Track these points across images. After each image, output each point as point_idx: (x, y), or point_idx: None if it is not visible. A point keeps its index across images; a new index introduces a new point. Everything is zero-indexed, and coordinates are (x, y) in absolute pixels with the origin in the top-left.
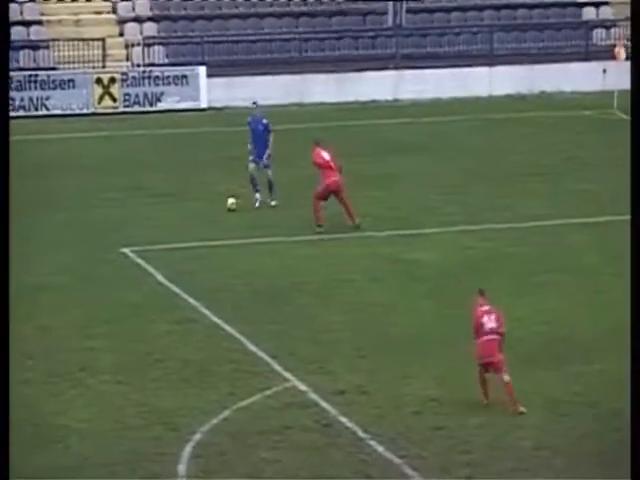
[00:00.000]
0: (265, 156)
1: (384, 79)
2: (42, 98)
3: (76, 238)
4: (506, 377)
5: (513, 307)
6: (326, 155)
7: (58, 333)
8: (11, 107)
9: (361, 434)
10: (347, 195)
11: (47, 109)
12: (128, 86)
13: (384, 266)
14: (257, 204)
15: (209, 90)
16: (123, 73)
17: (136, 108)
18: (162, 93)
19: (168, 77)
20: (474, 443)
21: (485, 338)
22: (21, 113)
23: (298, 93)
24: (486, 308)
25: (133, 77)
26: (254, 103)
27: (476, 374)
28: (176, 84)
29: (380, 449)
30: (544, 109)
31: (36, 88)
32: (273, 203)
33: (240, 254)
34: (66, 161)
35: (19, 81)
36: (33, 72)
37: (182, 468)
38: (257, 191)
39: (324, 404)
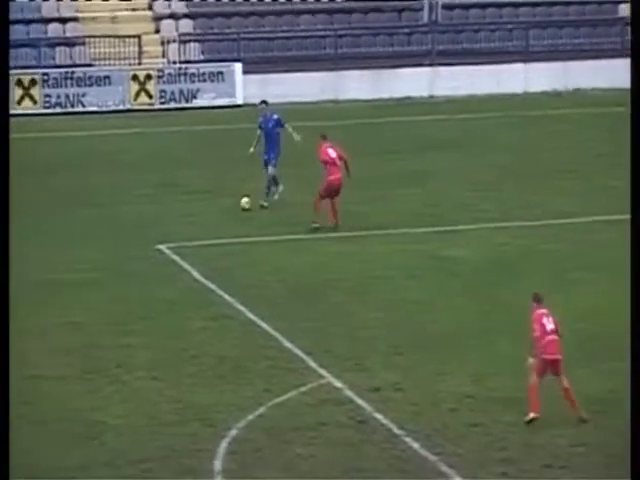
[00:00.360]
0: (275, 156)
1: (419, 76)
2: (78, 95)
3: (112, 235)
4: (565, 382)
5: (547, 304)
6: (332, 152)
7: (94, 329)
8: (47, 104)
9: (396, 431)
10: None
11: (83, 106)
12: (164, 83)
13: (420, 263)
14: (276, 196)
15: (245, 87)
16: (159, 70)
17: (172, 105)
18: (198, 90)
19: (204, 74)
20: (509, 440)
21: (548, 338)
22: (57, 110)
23: (333, 90)
24: (544, 311)
25: (169, 74)
26: (263, 102)
27: (532, 386)
28: (212, 81)
29: (415, 446)
30: (579, 106)
31: (72, 85)
32: (265, 204)
33: (275, 251)
34: (102, 158)
35: (55, 78)
36: (69, 69)
37: (218, 464)
38: (277, 184)
39: (359, 401)
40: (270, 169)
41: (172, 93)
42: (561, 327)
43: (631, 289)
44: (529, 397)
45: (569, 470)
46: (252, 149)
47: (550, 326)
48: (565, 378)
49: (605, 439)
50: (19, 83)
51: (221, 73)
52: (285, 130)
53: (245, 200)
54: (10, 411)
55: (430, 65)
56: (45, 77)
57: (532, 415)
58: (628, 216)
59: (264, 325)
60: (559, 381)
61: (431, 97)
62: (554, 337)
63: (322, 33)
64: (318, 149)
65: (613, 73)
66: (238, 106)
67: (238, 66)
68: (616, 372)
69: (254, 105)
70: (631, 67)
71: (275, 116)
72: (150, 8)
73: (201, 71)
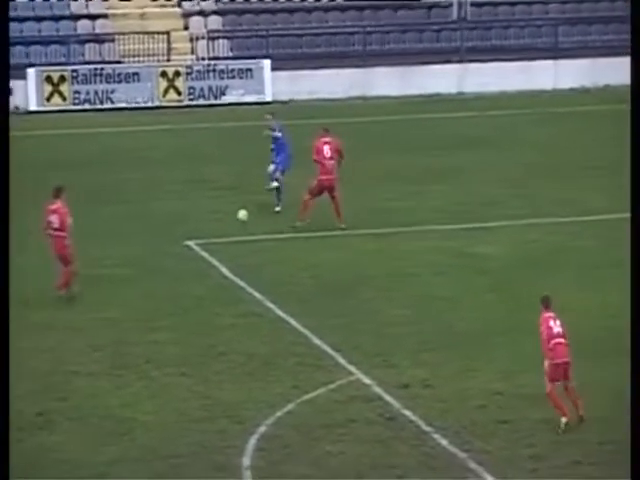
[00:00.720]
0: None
1: (448, 72)
2: (107, 91)
3: (141, 230)
4: (571, 384)
5: (578, 300)
6: (327, 149)
7: (123, 325)
8: (76, 100)
9: (425, 427)
10: (340, 195)
11: (112, 102)
12: (193, 79)
13: (449, 260)
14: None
15: (273, 83)
16: (188, 66)
17: (201, 101)
18: (227, 86)
19: (233, 70)
20: (538, 437)
21: (556, 341)
22: (87, 106)
23: (362, 86)
24: (551, 314)
25: (198, 70)
26: (270, 114)
27: (550, 392)
28: (241, 77)
29: (444, 442)
30: (608, 102)
31: (101, 81)
32: (277, 209)
33: (304, 248)
34: (131, 154)
35: (84, 75)
36: (98, 65)
37: (246, 460)
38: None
39: (388, 397)
40: (280, 178)
41: (201, 90)
42: (592, 323)
43: (631, 289)
44: (553, 404)
45: (598, 467)
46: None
47: (557, 329)
48: (572, 381)
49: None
50: (48, 80)
51: (250, 70)
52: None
53: (243, 213)
54: (45, 406)
55: (459, 62)
56: (74, 74)
57: (564, 420)
58: None
59: (293, 322)
60: (566, 384)
61: (460, 94)
62: (561, 340)
63: (351, 30)
64: (315, 144)
65: None
66: (267, 103)
67: (267, 63)
68: None
69: (283, 102)
70: (631, 66)
71: (277, 128)
72: (179, 5)
73: (230, 68)
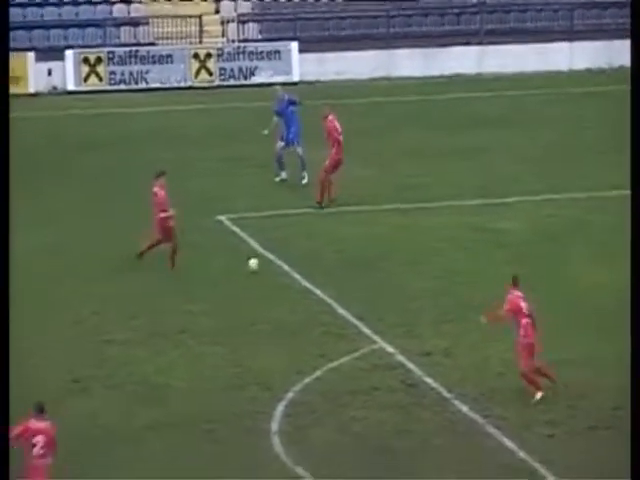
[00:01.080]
0: (297, 135)
1: (468, 54)
2: (142, 72)
3: (175, 206)
4: (538, 363)
5: (593, 274)
6: (339, 127)
7: (159, 295)
8: (112, 81)
9: (446, 394)
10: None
11: (147, 83)
12: (224, 61)
13: (469, 235)
14: (278, 179)
15: (301, 65)
16: (219, 48)
17: (231, 82)
18: (256, 67)
19: (262, 52)
20: (555, 403)
21: (527, 321)
22: (122, 87)
23: (385, 68)
24: (520, 294)
25: (228, 52)
26: (277, 86)
27: (526, 370)
28: (269, 59)
29: (464, 409)
30: (622, 83)
31: (136, 63)
32: (304, 182)
33: (331, 222)
34: (164, 132)
35: (120, 56)
36: (133, 48)
37: (275, 425)
38: (282, 170)
39: (410, 365)
40: (299, 150)
41: (231, 71)
42: (606, 295)
43: (631, 289)
44: (528, 381)
45: (614, 431)
46: (266, 131)
47: (527, 310)
48: (538, 360)
49: None
50: (86, 61)
51: (278, 52)
52: (301, 107)
53: (253, 261)
54: (81, 373)
55: (479, 44)
56: (110, 55)
57: (540, 394)
58: None
59: (319, 293)
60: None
61: (479, 75)
62: (530, 321)
63: (375, 13)
64: (328, 123)
65: None
66: (294, 83)
67: (294, 45)
68: None
69: (310, 83)
70: (631, 61)
71: (287, 96)
72: None
73: (259, 50)
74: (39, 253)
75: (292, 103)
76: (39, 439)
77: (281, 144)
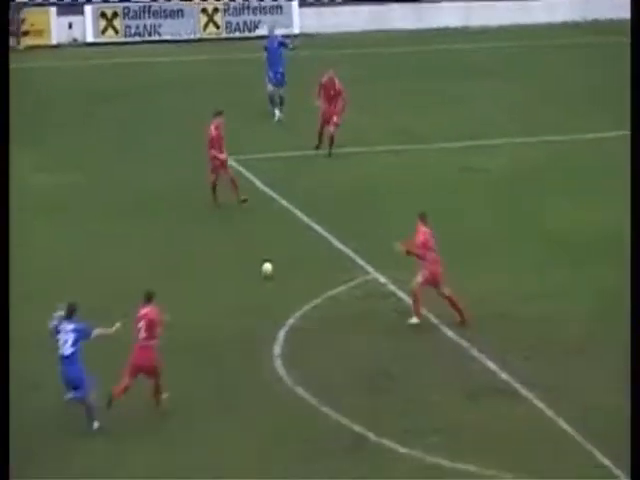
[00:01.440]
0: (281, 74)
1: (456, 9)
2: (155, 26)
3: (185, 149)
4: (447, 290)
5: (568, 210)
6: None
7: (168, 228)
8: (128, 33)
9: (433, 320)
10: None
11: (159, 35)
12: (229, 15)
13: (456, 173)
14: (276, 119)
15: (301, 18)
16: (225, 4)
17: (236, 34)
18: (259, 21)
19: (264, 7)
20: (532, 330)
21: (434, 255)
22: (137, 39)
23: (380, 21)
24: (428, 230)
25: (234, 7)
26: (270, 27)
27: (415, 291)
28: (272, 13)
29: (450, 333)
30: (596, 35)
31: (150, 17)
32: (276, 119)
33: (329, 163)
34: (176, 81)
35: (135, 11)
36: (147, 3)
37: (277, 349)
38: (275, 107)
39: (401, 294)
40: (281, 91)
41: (237, 24)
42: (580, 230)
43: (631, 289)
44: (414, 299)
45: (585, 357)
46: (268, 70)
47: (433, 246)
48: (446, 288)
49: (618, 331)
50: (103, 15)
51: (280, 7)
52: (291, 51)
53: (267, 267)
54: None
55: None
56: (126, 10)
57: (416, 320)
58: None
59: (318, 228)
60: (441, 291)
61: (466, 27)
62: (435, 255)
63: None
64: (332, 81)
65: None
66: (295, 35)
67: (295, 0)
68: (626, 269)
69: (309, 35)
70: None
71: (279, 37)
72: None
73: (262, 5)
74: (61, 189)
75: (282, 44)
76: (142, 324)
77: (270, 87)
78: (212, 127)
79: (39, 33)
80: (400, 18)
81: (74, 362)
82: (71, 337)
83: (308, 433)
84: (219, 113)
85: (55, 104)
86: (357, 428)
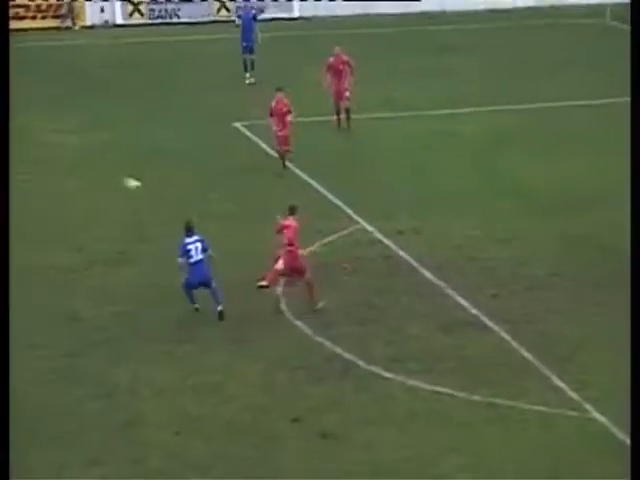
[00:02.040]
0: (252, 42)
1: None
2: (175, 9)
3: (199, 116)
4: (308, 275)
5: (530, 167)
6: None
7: (185, 186)
8: (152, 16)
9: (414, 264)
10: None
11: (178, 18)
12: (239, 1)
13: (436, 138)
14: (247, 82)
15: (300, 4)
16: None
17: None
18: (265, 6)
19: None
20: (501, 270)
21: (289, 248)
22: (159, 21)
23: (366, 6)
24: (290, 222)
25: None
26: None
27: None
28: (275, 0)
29: (428, 275)
30: (555, 17)
31: (170, 1)
32: (252, 80)
33: (327, 128)
34: (192, 57)
35: None
36: None
37: (279, 289)
38: (247, 71)
39: (387, 242)
40: (253, 56)
41: (245, 8)
42: (539, 185)
43: (631, 289)
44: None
45: (548, 291)
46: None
47: (293, 239)
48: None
49: (577, 270)
50: (130, 0)
51: None
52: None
53: (131, 182)
54: (125, 247)
55: None
56: None
57: (264, 283)
58: (599, 101)
59: (315, 184)
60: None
61: (443, 12)
62: (291, 248)
63: None
64: (339, 58)
65: None
66: (295, 19)
67: None
68: (590, 219)
69: (307, 18)
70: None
71: (253, 12)
72: None
73: None
74: (97, 147)
75: (254, 19)
76: (286, 233)
77: (245, 55)
78: (273, 102)
79: (76, 16)
80: (386, 4)
81: (204, 265)
82: (199, 246)
83: (306, 360)
84: (279, 89)
85: (88, 77)
86: (348, 356)
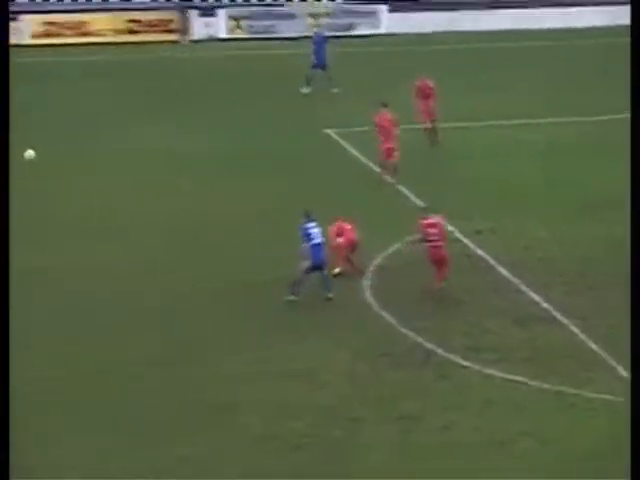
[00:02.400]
0: (324, 60)
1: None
2: (272, 26)
3: (291, 123)
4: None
5: (595, 175)
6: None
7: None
8: (251, 31)
9: (491, 262)
10: None
11: (275, 33)
12: (332, 18)
13: (505, 144)
14: (303, 92)
15: (389, 22)
16: (327, 7)
17: (337, 33)
18: (354, 23)
19: (359, 11)
20: (567, 268)
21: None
22: (257, 36)
23: (454, 23)
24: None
25: (335, 11)
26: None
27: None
28: (365, 17)
29: (504, 272)
30: (537, 40)
31: (268, 19)
32: (304, 91)
33: (414, 136)
34: (285, 70)
35: (257, 14)
36: (266, 7)
37: (367, 282)
38: (309, 85)
39: (466, 241)
40: (325, 72)
41: (336, 25)
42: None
43: (631, 289)
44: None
45: (612, 289)
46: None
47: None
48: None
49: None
50: (232, 17)
51: (373, 12)
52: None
53: (30, 153)
54: None
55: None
56: (250, 13)
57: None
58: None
59: (399, 186)
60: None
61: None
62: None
63: None
64: (425, 83)
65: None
66: (383, 35)
67: (384, 7)
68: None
69: (394, 35)
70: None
71: (325, 34)
72: None
73: (357, 9)
74: (201, 154)
75: (325, 41)
76: (434, 230)
77: (312, 69)
78: (377, 118)
79: (185, 31)
80: (469, 20)
81: (323, 248)
82: (319, 231)
83: (389, 348)
84: (384, 105)
85: (194, 85)
86: (428, 345)
